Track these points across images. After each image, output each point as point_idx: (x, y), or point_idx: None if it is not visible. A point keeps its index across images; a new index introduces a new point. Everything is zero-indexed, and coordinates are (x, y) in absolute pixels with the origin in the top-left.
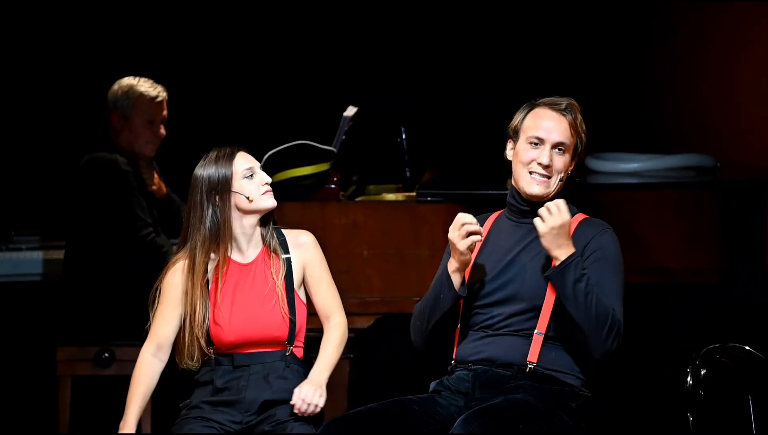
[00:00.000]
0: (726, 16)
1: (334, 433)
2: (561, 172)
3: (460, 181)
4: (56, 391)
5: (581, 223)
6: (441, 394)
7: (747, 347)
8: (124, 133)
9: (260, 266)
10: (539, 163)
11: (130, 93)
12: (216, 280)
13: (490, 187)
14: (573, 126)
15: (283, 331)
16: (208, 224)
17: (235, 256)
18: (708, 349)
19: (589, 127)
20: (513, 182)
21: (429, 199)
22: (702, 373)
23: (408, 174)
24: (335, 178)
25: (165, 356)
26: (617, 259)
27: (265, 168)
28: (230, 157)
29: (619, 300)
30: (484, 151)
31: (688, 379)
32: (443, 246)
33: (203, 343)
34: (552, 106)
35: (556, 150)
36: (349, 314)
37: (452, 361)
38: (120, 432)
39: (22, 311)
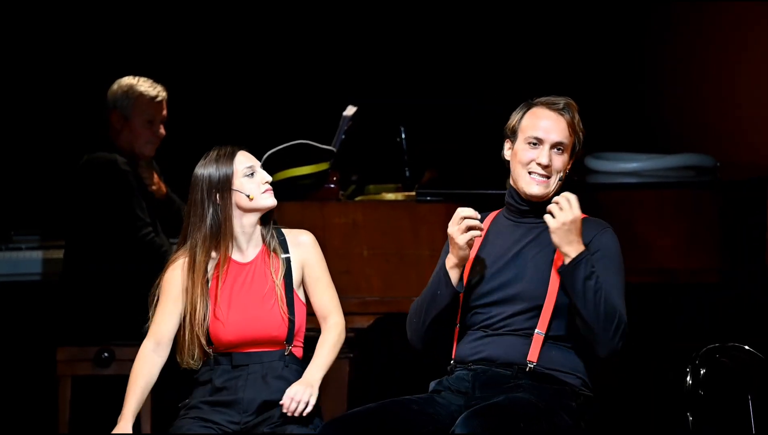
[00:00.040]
0: (726, 16)
1: (333, 433)
2: (560, 172)
3: (460, 181)
4: (56, 391)
5: (581, 222)
6: (440, 394)
7: (747, 347)
8: (124, 133)
9: (260, 266)
10: (538, 164)
11: (130, 93)
12: (216, 279)
13: (490, 187)
14: (571, 125)
15: (281, 331)
16: (208, 223)
17: (234, 255)
18: (708, 349)
19: (589, 127)
20: (511, 182)
21: (429, 198)
22: (702, 373)
23: (408, 174)
24: (335, 178)
25: (165, 352)
26: (619, 258)
27: (264, 167)
28: (231, 156)
29: (622, 299)
30: (484, 151)
31: (688, 379)
32: (443, 246)
33: (204, 342)
34: (550, 106)
35: (555, 150)
36: (348, 314)
37: (451, 361)
38: (117, 426)
39: (22, 311)
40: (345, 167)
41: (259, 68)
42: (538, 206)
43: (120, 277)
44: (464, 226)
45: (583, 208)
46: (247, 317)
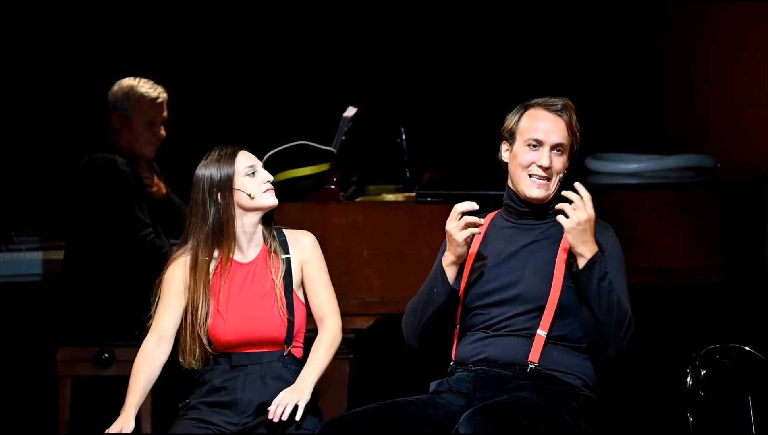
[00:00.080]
0: (726, 16)
1: (332, 433)
2: (560, 174)
3: (460, 181)
4: (56, 391)
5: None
6: (441, 395)
7: (747, 347)
8: (124, 134)
9: (260, 266)
10: (539, 166)
11: (131, 94)
12: (216, 279)
13: (490, 187)
14: (569, 126)
15: (281, 332)
16: (210, 222)
17: (235, 255)
18: (708, 349)
19: (589, 127)
20: (510, 184)
21: (429, 199)
22: (702, 373)
23: (408, 174)
24: (335, 179)
25: (167, 348)
26: (621, 257)
27: (265, 168)
28: (232, 156)
29: (628, 299)
30: (484, 151)
31: (688, 379)
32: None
33: (205, 342)
34: (548, 107)
35: (555, 151)
36: (349, 314)
37: (451, 362)
38: (119, 418)
39: (22, 311)
40: (345, 168)
41: (260, 68)
42: (538, 208)
43: (120, 277)
44: (463, 222)
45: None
46: (246, 317)
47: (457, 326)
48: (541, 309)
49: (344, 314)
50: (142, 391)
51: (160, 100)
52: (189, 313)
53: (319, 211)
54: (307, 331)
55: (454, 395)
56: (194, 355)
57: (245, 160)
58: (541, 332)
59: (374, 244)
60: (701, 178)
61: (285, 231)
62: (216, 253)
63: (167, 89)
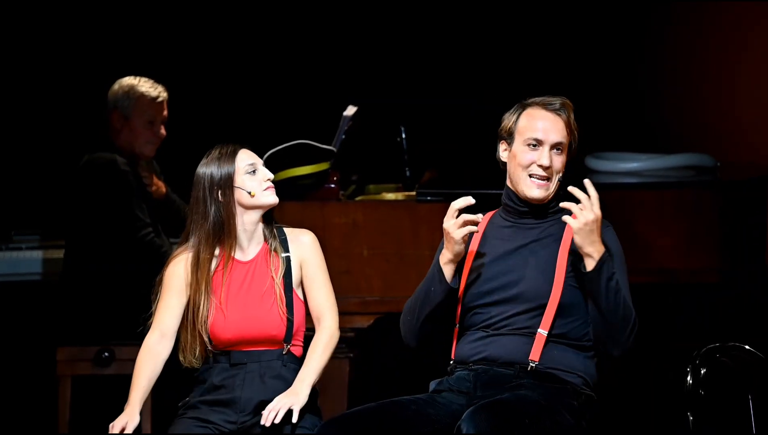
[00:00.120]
0: (726, 16)
1: (331, 432)
2: (559, 173)
3: (460, 181)
4: (56, 391)
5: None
6: (441, 394)
7: (747, 347)
8: (124, 133)
9: (260, 264)
10: (539, 166)
11: (131, 93)
12: (216, 277)
13: (490, 187)
14: (568, 125)
15: (280, 330)
16: (211, 220)
17: (235, 253)
18: (708, 349)
19: (589, 127)
20: (509, 184)
21: (429, 198)
22: (702, 373)
23: (408, 174)
24: (335, 178)
25: (169, 344)
26: (622, 255)
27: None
28: (233, 154)
29: (630, 297)
30: (484, 151)
31: (688, 379)
32: None
33: (206, 340)
34: (546, 107)
35: (555, 150)
36: (348, 313)
37: (451, 361)
38: (124, 413)
39: (22, 311)
40: (345, 167)
41: (260, 68)
42: (537, 208)
43: (120, 277)
44: (461, 220)
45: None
46: (246, 316)
47: (457, 325)
48: (542, 307)
49: (344, 313)
50: (145, 386)
51: (160, 99)
52: (190, 311)
53: (319, 211)
54: (307, 329)
55: (454, 394)
56: (194, 354)
57: (246, 158)
58: (542, 331)
59: (374, 243)
60: (701, 177)
61: (285, 229)
62: (217, 252)
63: (167, 88)
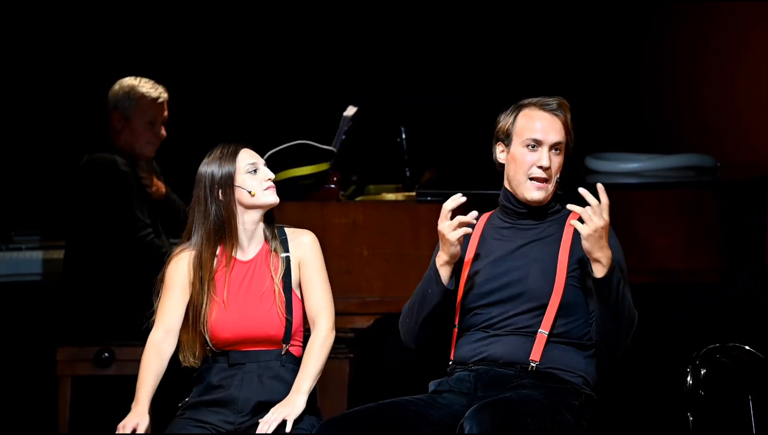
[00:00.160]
0: (726, 16)
1: (330, 432)
2: (558, 174)
3: (460, 181)
4: (56, 391)
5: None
6: (442, 394)
7: (747, 347)
8: (125, 134)
9: (260, 264)
10: (539, 167)
11: (132, 94)
12: (217, 276)
13: (490, 187)
14: (565, 124)
15: (278, 330)
16: (211, 219)
17: (235, 252)
18: (708, 349)
19: (589, 127)
20: (507, 185)
21: (429, 198)
22: (702, 373)
23: (408, 174)
24: (335, 178)
25: (174, 341)
26: (623, 256)
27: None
28: (234, 153)
29: (631, 298)
30: (484, 151)
31: (688, 379)
32: None
33: (207, 339)
34: (543, 107)
35: (553, 150)
36: (348, 314)
37: (450, 362)
38: (132, 412)
39: (22, 311)
40: (345, 167)
41: (260, 68)
42: (536, 209)
43: (120, 277)
44: (456, 222)
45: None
46: (245, 316)
47: (456, 326)
48: (543, 307)
49: (344, 314)
50: (152, 384)
51: (160, 100)
52: (191, 310)
53: (319, 211)
54: (307, 329)
55: (455, 395)
56: (194, 353)
57: (247, 157)
58: (543, 331)
59: (374, 243)
60: (701, 177)
61: (286, 229)
62: (217, 251)
63: (168, 89)
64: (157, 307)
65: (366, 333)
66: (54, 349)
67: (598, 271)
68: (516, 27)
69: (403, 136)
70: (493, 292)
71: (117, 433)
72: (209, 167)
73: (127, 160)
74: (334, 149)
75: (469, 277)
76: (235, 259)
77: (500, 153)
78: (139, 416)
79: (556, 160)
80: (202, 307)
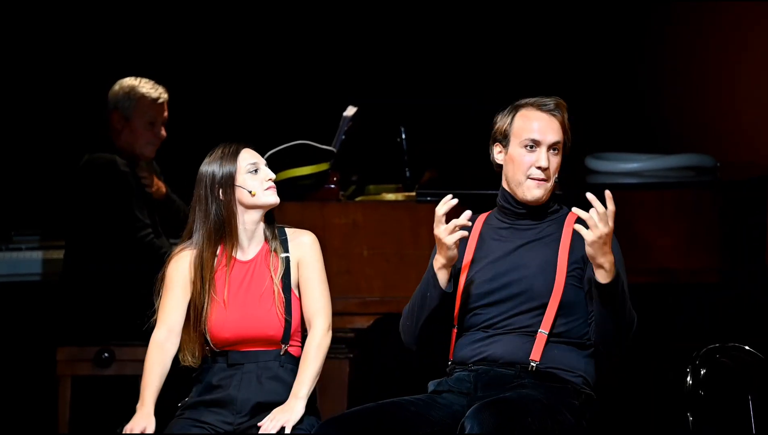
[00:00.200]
0: (726, 16)
1: (330, 432)
2: (556, 173)
3: (460, 181)
4: (56, 391)
5: (579, 222)
6: (441, 395)
7: (747, 347)
8: (125, 134)
9: (259, 264)
10: (538, 167)
11: (132, 94)
12: (217, 276)
13: (490, 187)
14: (563, 124)
15: (277, 331)
16: (212, 218)
17: (236, 252)
18: (708, 349)
19: (589, 127)
20: (505, 186)
21: (429, 199)
22: (702, 373)
23: (408, 174)
24: (335, 178)
25: (176, 341)
26: (622, 258)
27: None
28: (235, 153)
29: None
30: (484, 151)
31: (688, 379)
32: None
33: (207, 339)
34: (540, 107)
35: (552, 150)
36: (348, 314)
37: (449, 363)
38: (137, 414)
39: (22, 311)
40: (345, 167)
41: (260, 68)
42: (534, 209)
43: (120, 277)
44: (451, 226)
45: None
46: (244, 316)
47: (455, 326)
48: (543, 307)
49: (344, 314)
50: (157, 385)
51: (161, 100)
52: (191, 310)
53: (318, 211)
54: (306, 330)
55: (454, 395)
56: (193, 353)
57: (248, 157)
58: (543, 331)
59: (374, 243)
60: (701, 177)
61: (287, 230)
62: (218, 251)
63: (168, 89)
64: (158, 306)
65: (366, 333)
66: (54, 349)
67: (602, 276)
68: (516, 27)
69: (403, 136)
70: (492, 292)
71: (124, 433)
72: (210, 167)
73: (127, 160)
74: (334, 149)
75: (469, 278)
76: (235, 259)
77: (498, 154)
78: (145, 419)
79: (555, 160)
80: (202, 306)
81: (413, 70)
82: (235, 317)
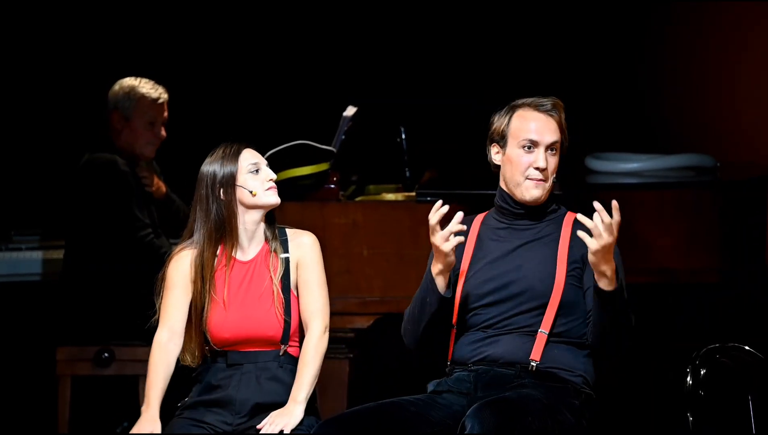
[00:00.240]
0: (726, 16)
1: (329, 432)
2: (554, 173)
3: (460, 181)
4: (56, 391)
5: (576, 222)
6: (441, 395)
7: (747, 347)
8: (125, 134)
9: (259, 264)
10: (536, 168)
11: (132, 94)
12: (217, 276)
13: (490, 187)
14: (560, 124)
15: (277, 331)
16: (212, 218)
17: (236, 253)
18: (708, 349)
19: (589, 127)
20: (503, 186)
21: (429, 199)
22: (702, 373)
23: (408, 174)
24: (335, 178)
25: (179, 341)
26: (621, 261)
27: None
28: (237, 153)
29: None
30: (484, 151)
31: (688, 379)
32: None
33: (208, 338)
34: (538, 108)
35: (549, 151)
36: (348, 314)
37: (448, 362)
38: (142, 417)
39: (22, 311)
40: (345, 167)
41: (260, 68)
42: (533, 209)
43: (120, 277)
44: (446, 233)
45: (584, 208)
46: (243, 316)
47: (454, 327)
48: (543, 307)
49: (344, 314)
50: (162, 387)
51: (161, 100)
52: (191, 309)
53: (318, 211)
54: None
55: (454, 395)
56: (192, 352)
57: (249, 157)
58: (543, 330)
59: (374, 243)
60: (701, 177)
61: (288, 230)
62: (218, 251)
63: (168, 89)
64: (159, 306)
65: (366, 333)
66: (54, 349)
67: (603, 284)
68: (516, 27)
69: (403, 136)
70: (492, 292)
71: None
72: (211, 166)
73: (127, 160)
74: (334, 149)
75: (468, 279)
76: (235, 259)
77: (495, 154)
78: (151, 422)
79: (552, 161)
80: (202, 306)
81: (413, 70)
82: (234, 317)
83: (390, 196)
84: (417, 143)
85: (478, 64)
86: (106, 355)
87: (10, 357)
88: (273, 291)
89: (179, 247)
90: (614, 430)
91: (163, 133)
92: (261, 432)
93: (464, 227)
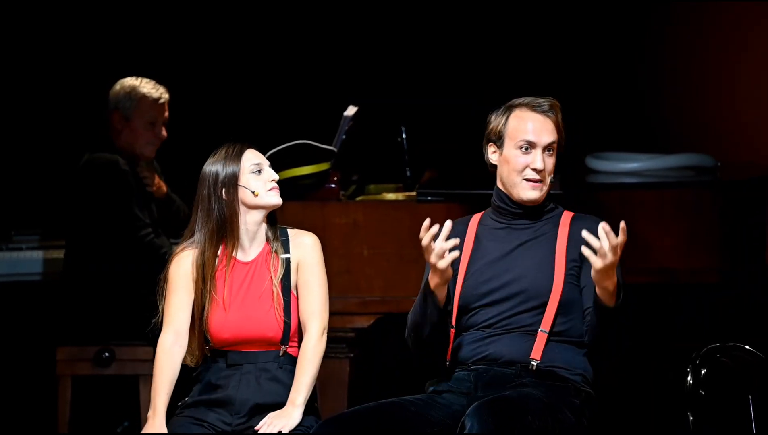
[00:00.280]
0: (726, 16)
1: (329, 432)
2: (551, 174)
3: (460, 181)
4: (56, 391)
5: (574, 221)
6: (441, 395)
7: (747, 347)
8: (125, 134)
9: (260, 265)
10: (533, 169)
11: (133, 94)
12: (218, 276)
13: (490, 187)
14: (557, 125)
15: (276, 332)
16: (214, 218)
17: (237, 253)
18: (708, 349)
19: (589, 127)
20: (500, 186)
21: (429, 198)
22: (702, 373)
23: (408, 174)
24: (335, 178)
25: (184, 343)
26: (619, 265)
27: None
28: (239, 153)
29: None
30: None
31: (688, 379)
32: None
33: (208, 338)
34: (535, 108)
35: (546, 151)
36: (349, 313)
37: (447, 362)
38: (149, 423)
39: (22, 311)
40: (346, 167)
41: (260, 68)
42: (531, 209)
43: (120, 277)
44: (440, 251)
45: (584, 208)
46: (243, 316)
47: (453, 327)
48: (543, 306)
49: (344, 314)
50: (167, 391)
51: (161, 100)
52: (194, 309)
53: (319, 211)
54: None
55: (454, 395)
56: (193, 352)
57: (252, 157)
58: (544, 329)
59: (374, 243)
60: (701, 177)
61: (289, 230)
62: (219, 250)
63: (169, 89)
64: (162, 308)
65: (366, 333)
66: (54, 349)
67: (606, 298)
68: (516, 27)
69: (403, 136)
70: (491, 292)
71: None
72: (214, 166)
73: (128, 160)
74: (334, 149)
75: (467, 279)
76: (236, 259)
77: (492, 154)
78: (157, 428)
79: (550, 161)
80: (203, 306)
81: (413, 70)
82: (234, 318)
83: (390, 196)
84: (417, 143)
85: (478, 64)
86: (106, 354)
87: (10, 357)
88: (273, 292)
89: (180, 246)
90: (614, 429)
91: (164, 133)
92: (259, 433)
93: (458, 242)
